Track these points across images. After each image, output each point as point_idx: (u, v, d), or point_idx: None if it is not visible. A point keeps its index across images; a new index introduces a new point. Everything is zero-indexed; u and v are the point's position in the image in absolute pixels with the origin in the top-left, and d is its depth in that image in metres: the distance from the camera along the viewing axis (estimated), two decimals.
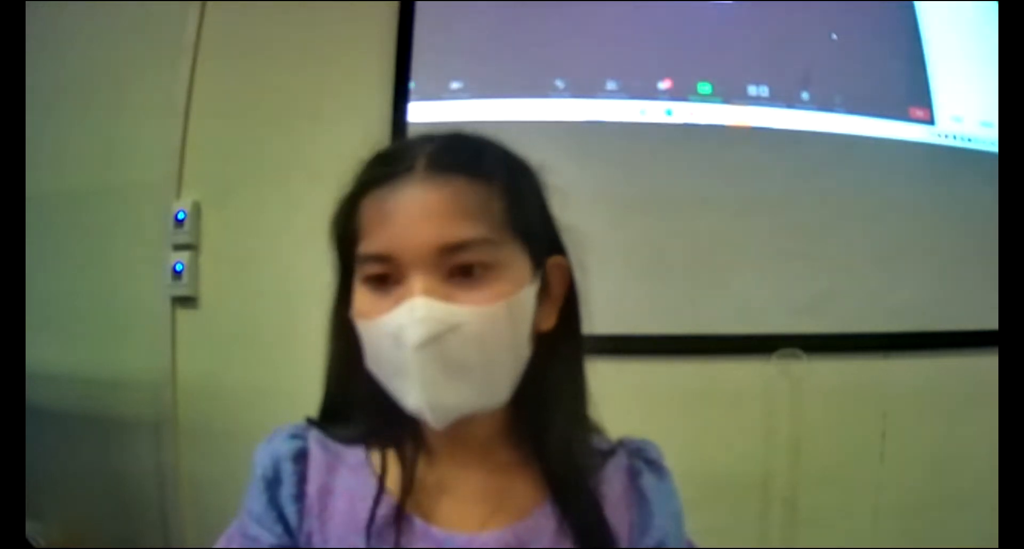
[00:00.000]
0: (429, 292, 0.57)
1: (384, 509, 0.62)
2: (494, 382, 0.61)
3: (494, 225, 0.59)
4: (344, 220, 0.63)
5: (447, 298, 0.58)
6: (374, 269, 0.60)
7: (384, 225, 0.59)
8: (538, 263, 0.63)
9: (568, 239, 0.67)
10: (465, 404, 0.60)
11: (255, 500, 0.64)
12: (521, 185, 0.63)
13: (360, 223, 0.61)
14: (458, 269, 0.58)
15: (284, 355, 1.40)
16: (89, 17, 1.76)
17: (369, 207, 0.60)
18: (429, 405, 0.59)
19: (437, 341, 0.57)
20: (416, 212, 0.58)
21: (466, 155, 0.61)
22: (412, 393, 0.59)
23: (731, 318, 1.57)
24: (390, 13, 1.63)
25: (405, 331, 0.57)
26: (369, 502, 0.62)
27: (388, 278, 0.59)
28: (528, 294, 0.61)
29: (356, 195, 0.62)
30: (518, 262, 0.61)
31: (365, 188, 0.61)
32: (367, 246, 0.60)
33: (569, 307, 0.67)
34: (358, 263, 0.61)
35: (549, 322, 0.65)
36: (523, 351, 0.62)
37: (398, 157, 0.61)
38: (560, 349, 0.65)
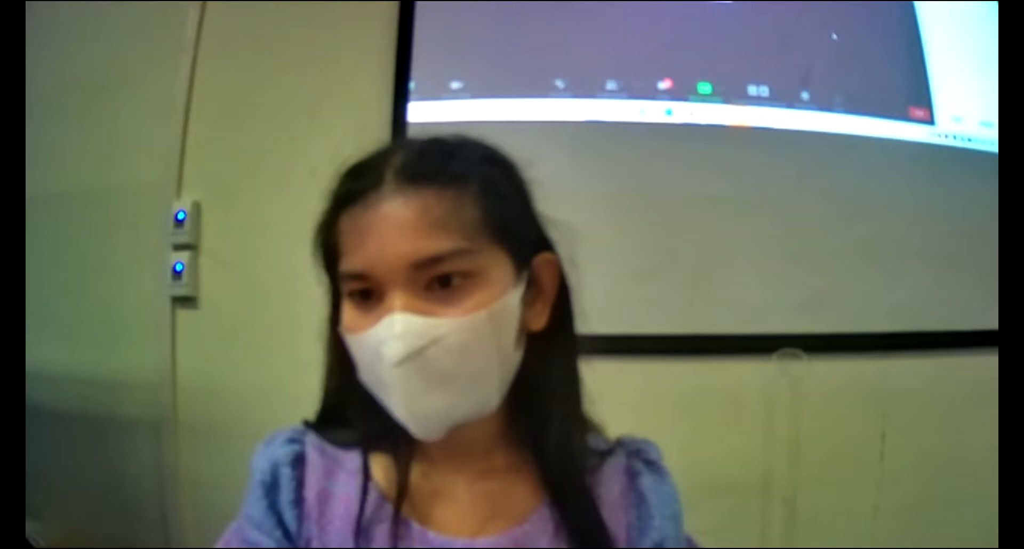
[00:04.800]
0: (407, 307, 0.57)
1: (381, 513, 0.62)
2: (480, 390, 0.60)
3: (468, 233, 0.59)
4: (324, 237, 0.63)
5: (426, 312, 0.57)
6: (355, 286, 0.60)
7: (359, 243, 0.59)
8: (523, 264, 0.62)
9: (558, 235, 0.66)
10: (450, 415, 0.60)
11: (254, 506, 0.63)
12: (499, 186, 0.62)
13: (338, 240, 0.61)
14: (436, 281, 0.58)
15: (284, 355, 1.39)
16: (89, 17, 1.76)
17: (345, 224, 0.60)
18: (412, 418, 0.59)
19: (417, 356, 0.57)
20: (387, 229, 0.58)
21: (436, 163, 0.60)
22: (396, 407, 0.59)
23: (731, 318, 1.57)
24: (390, 13, 1.63)
25: (385, 347, 0.57)
26: (369, 507, 0.62)
27: (371, 293, 0.59)
28: (511, 299, 0.60)
29: (332, 212, 0.62)
30: (499, 267, 0.60)
31: (339, 205, 0.61)
32: (345, 264, 0.60)
33: (561, 304, 0.66)
34: (340, 280, 0.61)
35: (541, 321, 0.64)
36: (510, 356, 0.62)
37: (367, 170, 0.60)
38: (554, 348, 0.65)
